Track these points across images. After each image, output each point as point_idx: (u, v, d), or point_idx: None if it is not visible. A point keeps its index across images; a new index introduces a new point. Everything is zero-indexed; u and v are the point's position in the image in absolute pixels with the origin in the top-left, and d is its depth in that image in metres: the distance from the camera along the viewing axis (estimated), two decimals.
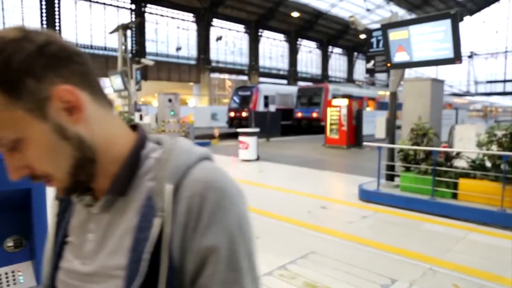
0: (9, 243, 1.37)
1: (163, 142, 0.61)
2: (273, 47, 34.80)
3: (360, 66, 42.26)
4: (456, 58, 4.93)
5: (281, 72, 35.39)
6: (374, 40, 6.93)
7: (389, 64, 5.68)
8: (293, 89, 23.86)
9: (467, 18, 38.11)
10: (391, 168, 6.17)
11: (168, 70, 27.05)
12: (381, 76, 30.69)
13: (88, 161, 0.55)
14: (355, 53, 42.50)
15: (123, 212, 0.57)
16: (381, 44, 6.43)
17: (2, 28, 0.53)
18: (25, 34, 0.49)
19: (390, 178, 6.13)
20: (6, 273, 1.35)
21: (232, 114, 21.65)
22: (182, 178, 0.54)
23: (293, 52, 35.57)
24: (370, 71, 7.25)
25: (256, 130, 10.50)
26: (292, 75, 35.41)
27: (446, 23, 4.92)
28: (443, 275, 3.29)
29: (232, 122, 21.33)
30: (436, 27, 5.03)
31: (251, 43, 32.02)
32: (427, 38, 5.17)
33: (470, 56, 41.60)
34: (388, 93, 6.66)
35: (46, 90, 0.50)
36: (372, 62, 7.03)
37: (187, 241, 0.53)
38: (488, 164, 5.03)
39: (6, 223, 1.36)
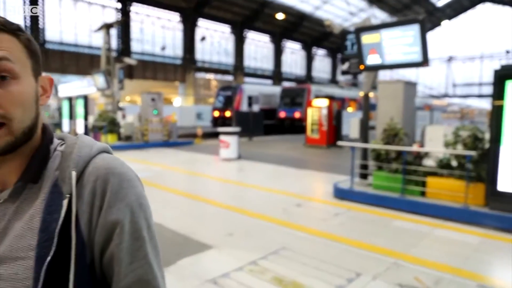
0: None
1: (66, 138, 0.71)
2: (258, 48, 34.96)
3: None
4: (424, 61, 5.14)
5: (266, 73, 35.58)
6: (349, 43, 7.11)
7: (362, 67, 5.86)
8: (276, 90, 24.11)
9: (445, 23, 39.05)
10: (364, 167, 6.35)
11: (153, 69, 26.87)
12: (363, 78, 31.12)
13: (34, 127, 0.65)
14: (339, 55, 43.01)
15: (31, 199, 0.63)
16: (355, 47, 6.61)
17: None
18: None
19: (364, 176, 6.31)
20: None
21: (216, 113, 21.71)
22: (85, 167, 0.65)
23: (278, 53, 35.81)
24: (345, 73, 7.44)
25: (237, 129, 10.59)
26: (277, 76, 35.63)
27: (415, 28, 5.12)
28: (406, 269, 3.43)
29: (216, 121, 21.42)
30: (405, 32, 5.23)
31: (236, 44, 32.08)
32: (397, 42, 5.36)
33: (449, 60, 42.57)
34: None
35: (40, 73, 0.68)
36: (347, 64, 7.22)
37: (94, 218, 0.62)
38: (454, 163, 5.25)
39: None
